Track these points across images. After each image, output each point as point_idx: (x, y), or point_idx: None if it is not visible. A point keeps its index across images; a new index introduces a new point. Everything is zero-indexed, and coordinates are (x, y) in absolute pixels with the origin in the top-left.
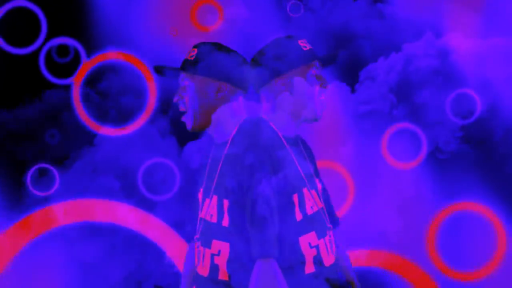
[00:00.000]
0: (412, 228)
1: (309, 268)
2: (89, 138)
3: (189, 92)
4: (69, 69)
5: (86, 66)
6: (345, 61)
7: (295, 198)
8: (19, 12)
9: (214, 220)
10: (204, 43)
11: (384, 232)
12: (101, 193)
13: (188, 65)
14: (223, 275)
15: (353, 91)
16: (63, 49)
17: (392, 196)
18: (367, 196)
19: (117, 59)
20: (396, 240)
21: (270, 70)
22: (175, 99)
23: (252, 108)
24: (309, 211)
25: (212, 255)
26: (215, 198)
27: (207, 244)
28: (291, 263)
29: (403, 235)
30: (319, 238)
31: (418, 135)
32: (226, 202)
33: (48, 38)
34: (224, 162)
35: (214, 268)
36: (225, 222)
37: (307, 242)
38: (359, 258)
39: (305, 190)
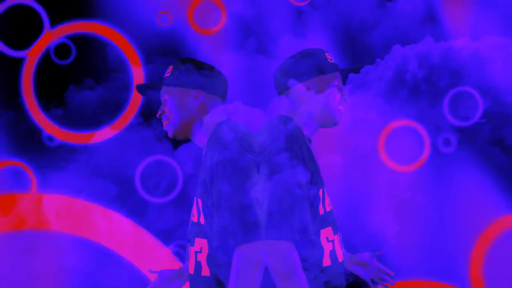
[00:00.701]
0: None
1: (326, 261)
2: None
3: (168, 104)
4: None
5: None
6: (344, 61)
7: (321, 192)
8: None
9: (195, 219)
10: (179, 59)
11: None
12: (95, 196)
13: (165, 81)
14: (205, 271)
15: (350, 92)
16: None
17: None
18: (366, 200)
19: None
20: (430, 265)
21: (292, 76)
22: (158, 114)
23: (239, 113)
24: (328, 208)
25: (196, 253)
26: (195, 199)
27: (192, 243)
28: (312, 255)
29: (440, 258)
30: (334, 234)
31: (422, 136)
32: (200, 202)
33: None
34: (204, 165)
35: (198, 265)
36: (202, 220)
37: (325, 236)
38: None
39: (324, 188)
